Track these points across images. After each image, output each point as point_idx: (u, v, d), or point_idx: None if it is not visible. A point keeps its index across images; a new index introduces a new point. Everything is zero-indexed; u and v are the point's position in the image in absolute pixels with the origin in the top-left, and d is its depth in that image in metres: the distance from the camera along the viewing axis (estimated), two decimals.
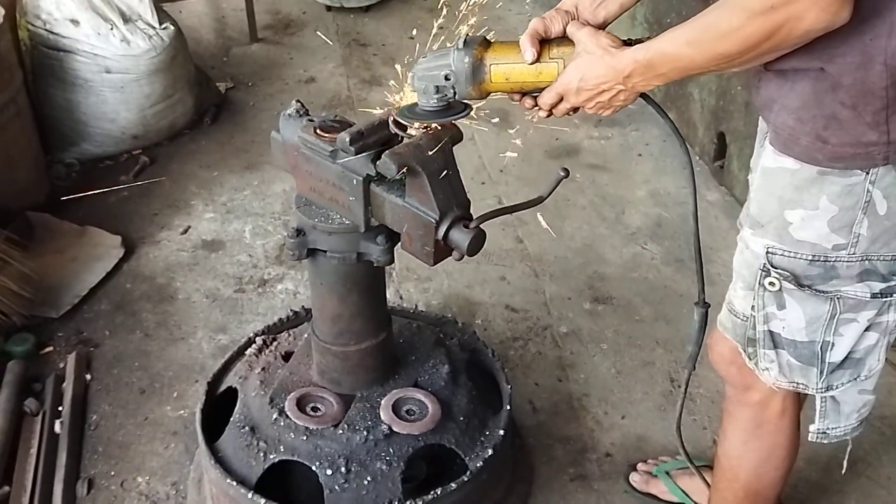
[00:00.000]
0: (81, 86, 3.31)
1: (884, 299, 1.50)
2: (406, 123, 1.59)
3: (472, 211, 1.67)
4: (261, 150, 3.51)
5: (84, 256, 2.92)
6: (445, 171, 1.62)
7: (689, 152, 1.59)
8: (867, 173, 1.38)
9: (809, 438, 1.68)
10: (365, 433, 1.94)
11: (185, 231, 3.13)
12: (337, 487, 1.90)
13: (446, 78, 1.49)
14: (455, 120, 1.57)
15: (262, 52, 4.30)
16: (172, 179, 3.39)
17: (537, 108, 1.52)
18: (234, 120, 3.77)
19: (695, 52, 1.32)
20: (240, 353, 2.26)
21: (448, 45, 1.55)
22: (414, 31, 4.38)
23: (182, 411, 2.45)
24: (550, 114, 1.51)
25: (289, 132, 1.80)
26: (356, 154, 1.65)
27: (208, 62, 4.14)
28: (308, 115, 1.81)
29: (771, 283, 1.52)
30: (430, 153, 1.60)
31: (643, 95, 1.48)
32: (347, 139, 1.63)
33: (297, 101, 1.83)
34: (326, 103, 3.88)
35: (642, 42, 1.40)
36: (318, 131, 1.75)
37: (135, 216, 3.18)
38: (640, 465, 2.26)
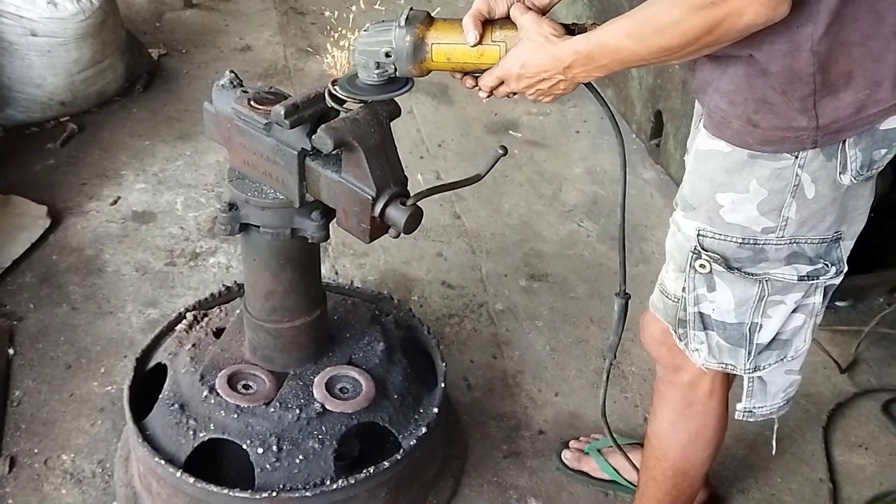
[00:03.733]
0: (6, 49, 3.18)
1: (810, 282, 1.53)
2: (343, 97, 1.56)
3: (409, 187, 1.66)
4: (194, 119, 3.42)
5: (7, 226, 2.82)
6: (382, 147, 1.60)
7: (624, 141, 1.59)
8: (796, 157, 1.40)
9: (736, 417, 1.72)
10: (297, 411, 1.92)
11: (115, 202, 3.04)
12: (268, 466, 1.88)
13: (387, 55, 1.47)
14: (395, 97, 1.54)
15: (197, 18, 4.18)
16: (102, 148, 3.29)
17: (478, 87, 1.50)
18: (166, 88, 3.67)
19: (636, 45, 1.32)
20: (170, 328, 2.21)
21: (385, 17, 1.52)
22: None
23: (109, 387, 2.40)
24: (491, 94, 1.50)
25: (222, 103, 1.76)
26: (291, 127, 1.61)
27: (140, 27, 4.02)
28: (242, 85, 1.77)
29: (701, 266, 1.53)
30: (367, 128, 1.58)
31: (585, 83, 1.47)
32: (282, 112, 1.59)
33: (231, 71, 1.79)
34: (262, 72, 3.80)
35: (585, 31, 1.40)
36: (252, 103, 1.71)
37: (62, 185, 3.08)
38: (572, 443, 2.29)
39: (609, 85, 3.58)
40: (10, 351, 2.47)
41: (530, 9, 1.46)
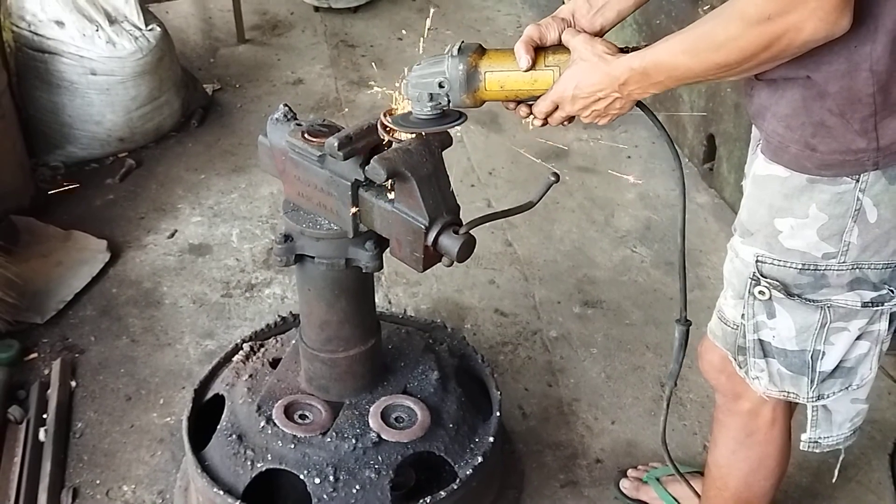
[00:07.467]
0: (67, 88, 3.28)
1: (875, 308, 1.49)
2: (395, 129, 1.57)
3: (461, 216, 1.66)
4: (248, 152, 3.48)
5: (69, 261, 2.89)
6: (434, 176, 1.61)
7: (682, 164, 1.58)
8: (857, 181, 1.38)
9: (801, 447, 1.67)
10: (353, 441, 1.92)
11: (172, 235, 3.10)
12: (325, 496, 1.88)
13: (440, 86, 1.47)
14: (449, 129, 1.55)
15: (250, 53, 4.27)
16: (159, 182, 3.36)
17: (532, 116, 1.50)
18: (221, 122, 3.74)
19: (691, 61, 1.31)
20: (227, 359, 2.24)
21: (431, 49, 1.53)
22: (403, 32, 4.38)
23: (168, 418, 2.43)
24: (545, 122, 1.50)
25: (276, 136, 1.78)
26: (345, 159, 1.63)
27: (195, 63, 4.11)
28: (296, 118, 1.80)
29: (761, 292, 1.51)
30: (419, 158, 1.58)
31: (639, 104, 1.46)
32: (336, 144, 1.61)
33: (285, 104, 1.81)
34: (314, 105, 3.86)
35: (639, 49, 1.39)
36: (306, 136, 1.73)
37: (121, 220, 3.15)
38: (630, 472, 2.26)
39: (660, 109, 3.56)
40: (73, 383, 2.52)
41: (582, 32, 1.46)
